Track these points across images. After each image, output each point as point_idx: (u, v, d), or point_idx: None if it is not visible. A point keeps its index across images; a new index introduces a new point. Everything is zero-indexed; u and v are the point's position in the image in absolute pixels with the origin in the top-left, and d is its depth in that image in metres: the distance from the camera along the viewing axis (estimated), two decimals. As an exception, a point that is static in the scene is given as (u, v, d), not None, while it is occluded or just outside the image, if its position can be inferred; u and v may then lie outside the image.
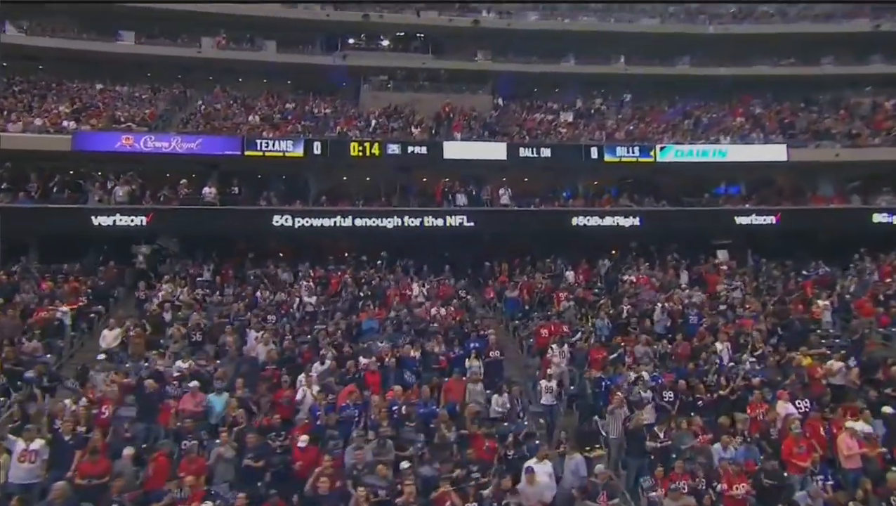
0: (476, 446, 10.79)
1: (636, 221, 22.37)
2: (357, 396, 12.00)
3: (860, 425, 11.07)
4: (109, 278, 18.85)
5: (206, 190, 21.11)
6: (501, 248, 21.71)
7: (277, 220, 20.70)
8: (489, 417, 12.16)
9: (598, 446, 11.54)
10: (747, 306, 17.48)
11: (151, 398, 11.74)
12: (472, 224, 21.59)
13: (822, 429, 11.33)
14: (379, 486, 9.42)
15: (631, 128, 26.13)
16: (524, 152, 23.17)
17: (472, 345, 14.65)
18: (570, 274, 20.35)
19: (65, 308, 16.10)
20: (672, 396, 12.75)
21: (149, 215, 20.10)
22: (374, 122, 24.83)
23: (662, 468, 10.28)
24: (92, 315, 16.86)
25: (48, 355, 14.05)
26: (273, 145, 21.92)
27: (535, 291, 18.65)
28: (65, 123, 21.76)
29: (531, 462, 10.14)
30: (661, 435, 11.25)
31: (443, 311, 16.97)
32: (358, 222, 21.09)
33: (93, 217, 19.85)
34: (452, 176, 23.18)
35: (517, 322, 17.50)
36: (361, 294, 18.09)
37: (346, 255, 21.04)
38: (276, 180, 23.62)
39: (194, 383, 12.05)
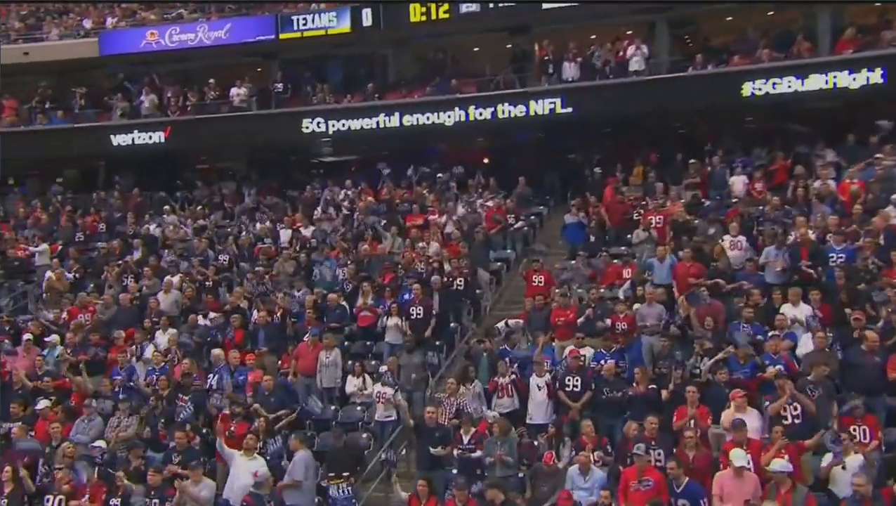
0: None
1: (877, 76, 13.85)
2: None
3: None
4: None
5: (233, 91, 17.94)
6: (618, 144, 15.72)
7: (308, 125, 16.89)
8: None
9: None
10: None
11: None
12: (568, 110, 15.49)
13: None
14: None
15: None
16: None
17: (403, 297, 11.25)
18: (737, 180, 13.79)
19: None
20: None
21: (166, 130, 17.80)
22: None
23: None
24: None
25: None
26: (312, 21, 17.75)
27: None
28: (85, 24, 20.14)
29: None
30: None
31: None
32: (407, 120, 16.46)
33: (112, 136, 18.17)
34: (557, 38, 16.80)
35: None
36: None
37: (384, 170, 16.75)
38: (334, 70, 19.48)
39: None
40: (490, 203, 14.62)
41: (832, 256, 10.47)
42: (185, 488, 7.55)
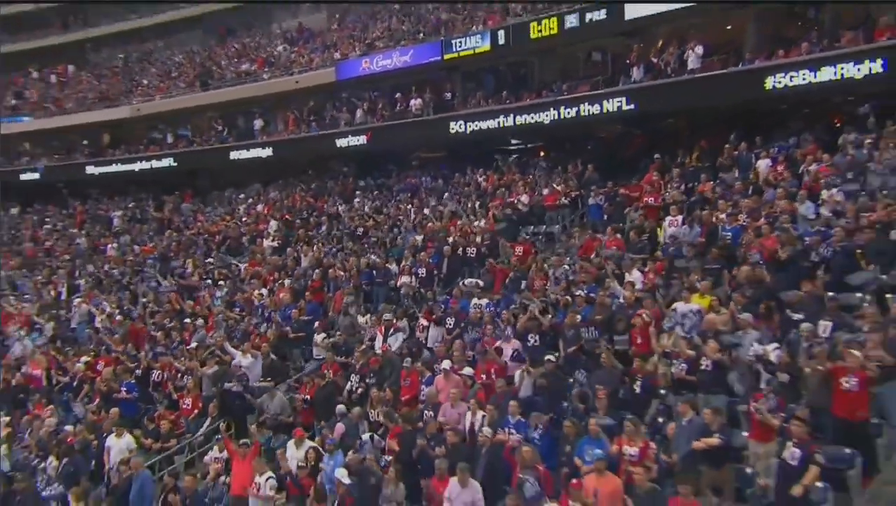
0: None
1: (878, 66, 16.15)
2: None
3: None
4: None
5: (413, 102, 25.45)
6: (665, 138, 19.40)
7: (453, 127, 23.59)
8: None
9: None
10: None
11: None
12: (631, 107, 19.79)
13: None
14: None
15: None
16: None
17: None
18: (763, 163, 16.82)
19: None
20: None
21: (368, 134, 25.97)
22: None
23: None
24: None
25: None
26: (464, 44, 24.33)
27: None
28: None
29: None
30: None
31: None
32: (519, 120, 22.15)
33: (336, 141, 26.96)
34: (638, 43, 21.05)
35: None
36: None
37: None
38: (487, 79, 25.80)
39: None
40: (557, 186, 19.80)
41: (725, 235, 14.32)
42: None
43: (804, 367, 9.33)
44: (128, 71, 38.94)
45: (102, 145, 35.38)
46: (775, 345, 9.85)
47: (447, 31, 25.99)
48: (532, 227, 19.04)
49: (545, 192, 19.78)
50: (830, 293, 10.98)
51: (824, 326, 10.19)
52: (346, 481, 9.45)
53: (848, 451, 8.55)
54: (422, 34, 26.95)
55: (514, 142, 25.15)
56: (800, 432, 8.01)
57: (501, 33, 23.43)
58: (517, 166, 22.64)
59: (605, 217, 17.76)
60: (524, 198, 19.72)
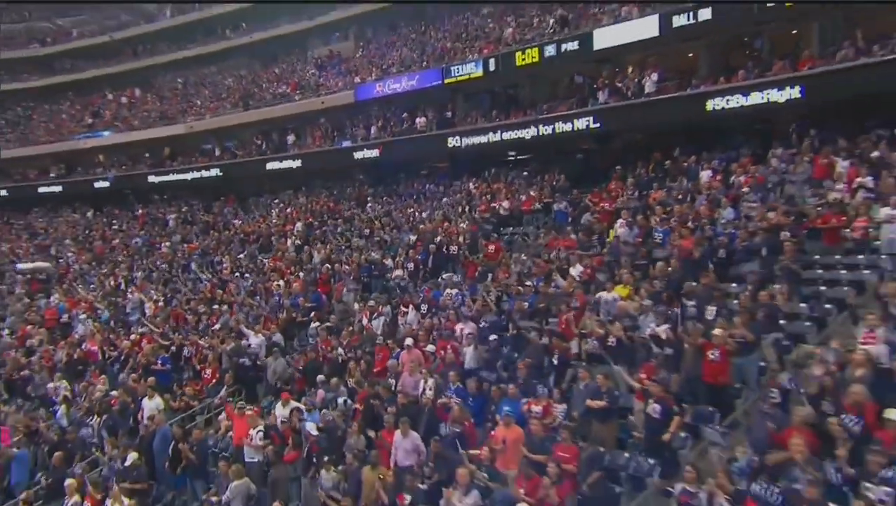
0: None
1: (797, 92, 17.05)
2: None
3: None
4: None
5: (418, 120, 26.70)
6: (628, 152, 20.29)
7: (451, 141, 24.80)
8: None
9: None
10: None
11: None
12: (597, 125, 20.86)
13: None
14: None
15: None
16: (679, 21, 19.74)
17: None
18: (705, 174, 17.66)
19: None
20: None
21: (380, 147, 27.28)
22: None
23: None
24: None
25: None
26: (461, 70, 25.49)
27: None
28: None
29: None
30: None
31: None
32: (506, 136, 23.30)
33: (353, 153, 28.31)
34: (607, 70, 22.10)
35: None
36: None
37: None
38: (483, 99, 26.92)
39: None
40: (532, 193, 20.89)
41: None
42: None
43: (684, 343, 10.38)
44: (185, 93, 40.74)
45: (163, 157, 37.15)
46: (666, 326, 10.90)
47: (448, 59, 27.08)
48: (511, 228, 20.11)
49: (523, 198, 20.90)
50: (723, 284, 12.03)
51: (711, 311, 11.21)
52: (314, 432, 10.75)
53: (710, 409, 9.58)
54: (426, 62, 28.11)
55: (510, 153, 26.16)
56: (657, 390, 9.11)
57: (492, 61, 24.58)
58: (504, 175, 23.68)
59: (570, 220, 18.81)
60: (505, 203, 20.86)
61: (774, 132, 18.18)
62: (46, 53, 46.32)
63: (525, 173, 23.09)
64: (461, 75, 25.48)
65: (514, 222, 20.32)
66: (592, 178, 21.15)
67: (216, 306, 18.59)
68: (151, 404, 13.66)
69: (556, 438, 9.34)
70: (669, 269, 13.01)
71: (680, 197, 16.83)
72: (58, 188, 39.79)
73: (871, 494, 6.65)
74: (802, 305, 11.47)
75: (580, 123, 21.34)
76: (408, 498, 8.98)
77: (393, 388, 11.92)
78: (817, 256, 12.98)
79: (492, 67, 24.56)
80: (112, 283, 24.62)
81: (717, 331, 9.85)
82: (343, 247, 21.25)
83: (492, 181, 23.25)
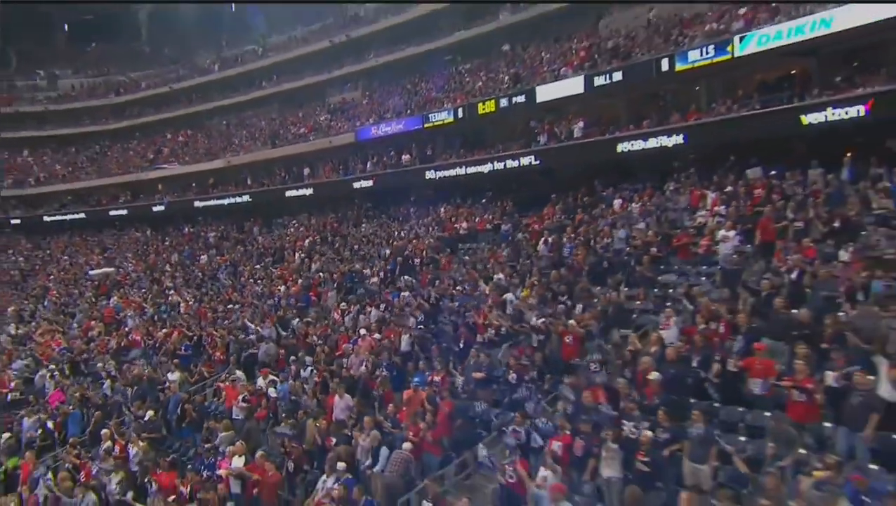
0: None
1: (680, 139, 18.69)
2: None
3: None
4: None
5: (404, 157, 28.51)
6: (563, 184, 21.74)
7: (428, 175, 26.54)
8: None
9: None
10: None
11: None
12: (538, 162, 22.53)
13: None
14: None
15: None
16: (599, 81, 21.61)
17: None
18: (616, 202, 19.33)
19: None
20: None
21: (373, 179, 29.10)
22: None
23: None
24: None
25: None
26: (436, 117, 27.29)
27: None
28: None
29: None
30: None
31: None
32: (469, 170, 25.01)
33: (353, 183, 30.13)
34: (546, 117, 23.81)
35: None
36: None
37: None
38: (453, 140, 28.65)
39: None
40: (485, 217, 22.60)
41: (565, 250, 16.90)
42: None
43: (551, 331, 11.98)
44: (227, 133, 43.00)
45: (207, 186, 39.32)
46: (542, 319, 12.50)
47: (429, 107, 28.87)
48: (468, 244, 21.76)
49: (478, 220, 22.57)
50: (595, 288, 13.65)
51: (579, 308, 12.83)
52: (273, 395, 12.55)
53: (567, 381, 11.14)
54: (411, 110, 29.94)
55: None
56: (515, 364, 10.76)
57: (460, 110, 26.36)
58: (467, 202, 25.30)
59: (510, 238, 20.33)
60: (464, 224, 22.56)
61: (670, 170, 19.74)
62: (119, 102, 49.03)
63: (483, 200, 24.71)
64: (437, 121, 27.25)
65: (470, 240, 21.89)
66: (536, 204, 22.64)
67: (230, 306, 20.44)
68: (172, 378, 15.53)
69: (443, 397, 11.03)
70: (561, 276, 14.65)
71: (588, 220, 18.41)
72: (124, 211, 42.11)
73: (627, 430, 8.32)
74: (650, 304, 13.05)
75: (525, 161, 23.03)
76: (333, 439, 10.68)
77: (343, 365, 13.66)
78: (676, 267, 14.54)
79: (460, 115, 26.33)
80: (157, 287, 26.64)
81: (571, 321, 11.49)
82: (335, 259, 23.01)
83: (457, 206, 24.89)
